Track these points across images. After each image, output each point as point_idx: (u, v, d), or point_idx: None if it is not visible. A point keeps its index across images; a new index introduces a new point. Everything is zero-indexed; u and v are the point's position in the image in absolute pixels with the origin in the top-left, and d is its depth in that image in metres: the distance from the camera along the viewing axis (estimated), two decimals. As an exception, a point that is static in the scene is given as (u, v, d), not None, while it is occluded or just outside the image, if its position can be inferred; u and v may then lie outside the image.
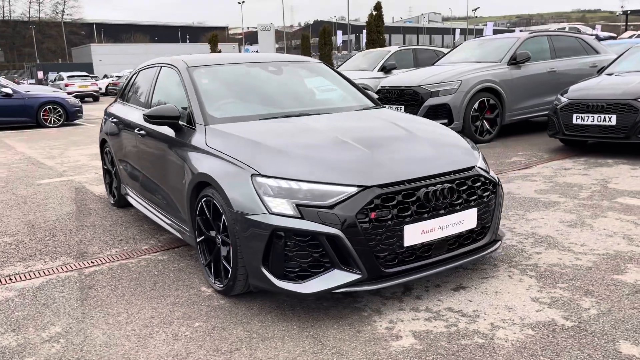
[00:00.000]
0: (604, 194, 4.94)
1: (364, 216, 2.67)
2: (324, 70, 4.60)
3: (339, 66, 13.58)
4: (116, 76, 37.12)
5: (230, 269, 2.96)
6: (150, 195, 4.27)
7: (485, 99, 8.00)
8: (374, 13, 36.11)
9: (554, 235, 3.91)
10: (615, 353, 2.35)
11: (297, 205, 2.69)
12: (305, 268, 2.71)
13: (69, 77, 28.25)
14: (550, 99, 7.93)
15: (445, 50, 11.79)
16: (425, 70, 8.99)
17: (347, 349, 2.50)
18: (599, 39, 14.07)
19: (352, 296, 3.03)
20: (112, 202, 5.41)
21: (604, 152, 6.85)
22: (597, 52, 9.36)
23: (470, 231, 3.04)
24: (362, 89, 4.48)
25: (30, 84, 36.98)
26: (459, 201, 2.94)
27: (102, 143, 5.55)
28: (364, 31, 39.93)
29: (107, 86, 34.15)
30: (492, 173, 3.29)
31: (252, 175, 2.83)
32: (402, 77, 8.99)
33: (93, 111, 19.32)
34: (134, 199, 4.77)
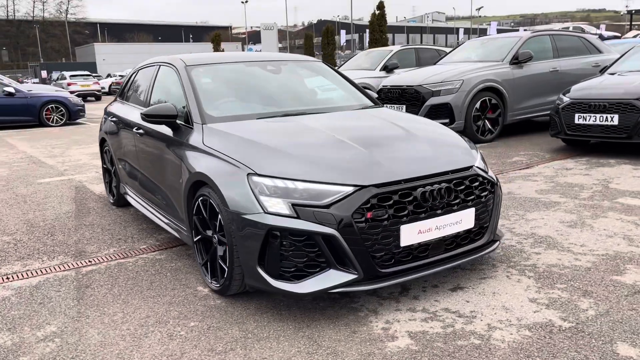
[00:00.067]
0: (605, 194, 4.91)
1: (360, 216, 2.65)
2: (323, 70, 4.59)
3: (341, 65, 13.57)
4: (119, 75, 37.23)
5: (226, 269, 2.95)
6: (149, 194, 4.27)
7: (487, 98, 7.97)
8: (377, 12, 36.07)
9: (554, 235, 3.88)
10: (612, 354, 2.33)
11: (293, 205, 2.68)
12: (301, 268, 2.70)
13: (71, 76, 28.33)
14: (552, 99, 7.89)
15: (447, 50, 11.75)
16: (427, 69, 8.96)
17: (342, 349, 2.48)
18: (602, 38, 14.00)
19: (349, 296, 3.02)
20: (112, 201, 5.41)
21: (606, 152, 6.81)
22: (600, 52, 9.31)
23: (468, 231, 3.02)
24: (361, 88, 4.46)
25: (33, 83, 37.12)
26: (457, 201, 2.92)
27: (102, 142, 5.55)
28: (368, 30, 39.85)
29: (111, 85, 34.26)
30: (490, 173, 3.26)
31: (248, 174, 2.82)
32: (403, 77, 8.96)
33: (95, 110, 19.33)
34: (132, 198, 4.77)
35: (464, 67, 8.25)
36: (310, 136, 3.24)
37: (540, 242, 3.75)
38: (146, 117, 3.57)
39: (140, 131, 4.18)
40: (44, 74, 47.22)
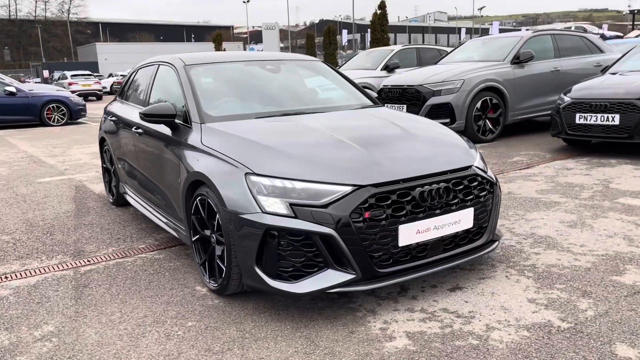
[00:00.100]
0: (605, 194, 4.89)
1: (358, 216, 2.64)
2: (322, 69, 4.57)
3: (342, 65, 13.56)
4: (121, 75, 37.28)
5: (224, 269, 2.94)
6: (148, 194, 4.26)
7: (488, 98, 7.96)
8: (378, 12, 36.03)
9: (554, 235, 3.87)
10: (611, 355, 2.32)
11: (291, 205, 2.67)
12: (299, 268, 2.69)
13: (72, 76, 28.38)
14: (553, 99, 7.86)
15: (449, 50, 11.74)
16: (428, 69, 8.95)
17: (339, 349, 2.47)
18: (604, 38, 13.97)
19: (347, 296, 3.01)
20: (111, 200, 5.41)
21: (607, 152, 6.79)
22: (601, 51, 9.28)
23: (467, 231, 3.01)
24: (361, 88, 4.45)
25: (35, 82, 37.15)
26: (455, 201, 2.91)
27: (102, 141, 5.55)
28: (369, 30, 39.81)
29: (112, 85, 34.29)
30: (489, 172, 3.25)
31: (246, 174, 2.81)
32: (404, 76, 8.95)
33: (96, 110, 19.32)
34: (131, 197, 4.76)
35: (464, 67, 8.23)
36: (309, 136, 3.23)
37: (540, 242, 3.73)
38: (145, 116, 3.56)
39: (140, 130, 4.17)
40: (45, 73, 47.28)
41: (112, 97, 27.73)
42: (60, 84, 26.86)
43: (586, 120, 6.45)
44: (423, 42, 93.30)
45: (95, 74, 34.22)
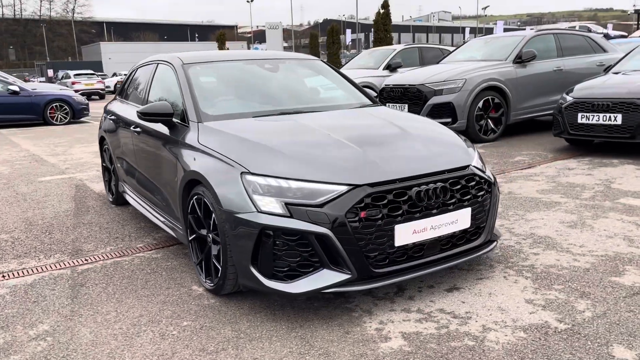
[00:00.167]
0: (606, 194, 4.86)
1: (354, 215, 2.62)
2: (321, 68, 4.55)
3: (345, 64, 13.53)
4: (125, 74, 37.32)
5: (220, 268, 2.93)
6: (146, 193, 4.26)
7: (490, 97, 7.92)
8: (382, 11, 35.93)
9: (553, 235, 3.84)
10: (608, 357, 2.29)
11: (287, 204, 2.65)
12: (294, 268, 2.68)
13: (75, 75, 28.45)
14: (556, 98, 7.82)
15: (452, 49, 11.70)
16: (430, 68, 8.91)
17: (334, 350, 2.46)
18: (608, 37, 13.91)
19: (344, 296, 2.99)
20: (111, 199, 5.41)
21: (609, 152, 6.75)
22: (605, 51, 9.23)
23: (464, 231, 2.98)
24: (360, 87, 4.43)
25: (40, 81, 37.31)
26: (452, 200, 2.89)
27: (101, 140, 5.55)
28: (373, 30, 39.74)
29: (116, 84, 34.31)
30: (487, 172, 3.23)
31: (241, 173, 2.80)
32: (406, 76, 8.92)
33: (99, 109, 19.29)
34: (130, 196, 4.76)
35: (466, 66, 8.19)
36: (306, 135, 3.21)
37: (539, 243, 3.71)
38: (142, 115, 3.55)
39: (138, 129, 4.16)
40: (50, 72, 47.46)
41: (115, 96, 27.83)
42: (64, 83, 26.95)
43: (588, 120, 6.41)
44: (427, 41, 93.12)
45: (98, 73, 34.31)
